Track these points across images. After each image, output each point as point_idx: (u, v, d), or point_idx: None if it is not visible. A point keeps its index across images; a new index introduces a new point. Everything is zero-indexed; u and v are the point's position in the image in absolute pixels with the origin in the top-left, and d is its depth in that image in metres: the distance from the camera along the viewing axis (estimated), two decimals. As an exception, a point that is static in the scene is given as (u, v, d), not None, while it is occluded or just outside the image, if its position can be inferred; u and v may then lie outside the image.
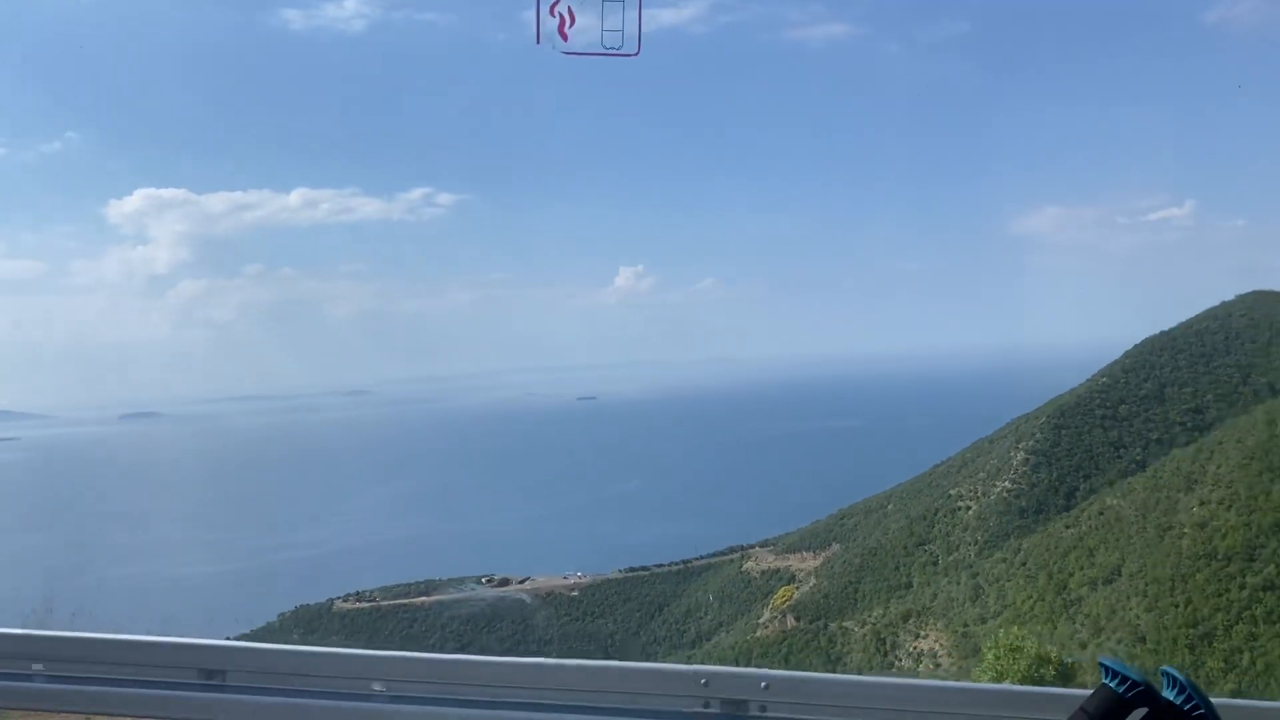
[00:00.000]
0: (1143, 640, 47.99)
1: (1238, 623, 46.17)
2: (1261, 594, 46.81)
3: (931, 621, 65.68)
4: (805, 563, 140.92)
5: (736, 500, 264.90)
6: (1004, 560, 66.68)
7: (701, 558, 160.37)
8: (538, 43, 7.95)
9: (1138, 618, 49.67)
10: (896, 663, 65.12)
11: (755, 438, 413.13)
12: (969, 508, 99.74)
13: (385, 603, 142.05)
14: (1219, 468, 57.61)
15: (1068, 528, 64.71)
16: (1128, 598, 51.66)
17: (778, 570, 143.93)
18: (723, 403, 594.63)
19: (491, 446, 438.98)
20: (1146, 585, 51.22)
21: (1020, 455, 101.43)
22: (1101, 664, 1.80)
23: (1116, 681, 1.79)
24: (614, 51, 7.96)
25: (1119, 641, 49.10)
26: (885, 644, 67.12)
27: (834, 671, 73.50)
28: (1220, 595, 47.85)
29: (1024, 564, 63.54)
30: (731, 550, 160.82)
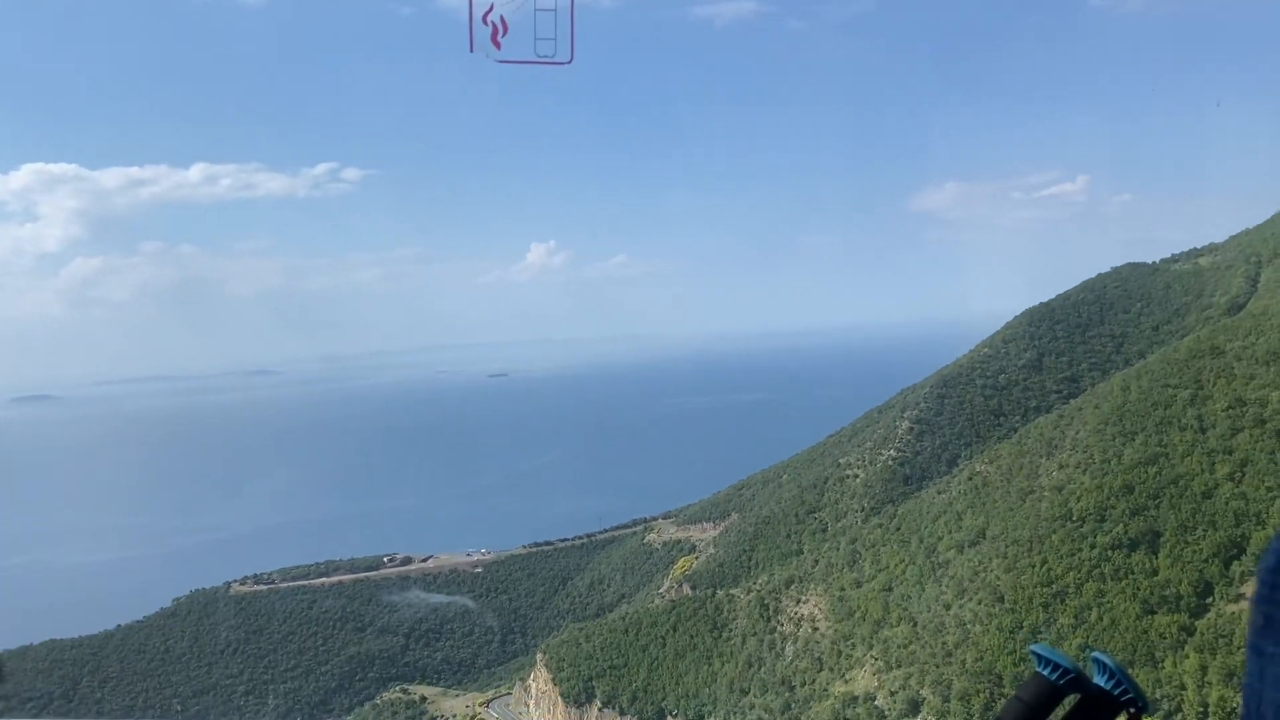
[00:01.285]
0: (1001, 600, 50.22)
1: (1088, 580, 48.61)
2: (1110, 553, 49.33)
3: (812, 587, 67.52)
4: (706, 533, 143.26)
5: (646, 474, 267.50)
6: (880, 526, 68.83)
7: (605, 531, 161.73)
8: (470, 51, 7.91)
9: (998, 578, 51.92)
10: (779, 628, 66.90)
11: (666, 412, 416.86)
12: (857, 476, 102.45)
13: (284, 585, 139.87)
14: (1077, 433, 60.34)
15: (939, 493, 67.12)
16: (990, 559, 53.94)
17: (679, 541, 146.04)
18: (634, 378, 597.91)
19: (400, 425, 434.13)
20: (1007, 547, 53.54)
21: (905, 424, 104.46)
22: (1034, 653, 1.93)
23: (1049, 669, 1.81)
24: (547, 60, 8.00)
25: (980, 602, 51.29)
26: (768, 610, 68.80)
27: (719, 636, 75.26)
28: (1073, 555, 50.27)
29: (898, 529, 65.70)
30: (635, 523, 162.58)
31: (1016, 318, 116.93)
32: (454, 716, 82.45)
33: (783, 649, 64.69)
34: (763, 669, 64.21)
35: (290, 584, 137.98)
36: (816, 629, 63.02)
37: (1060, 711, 1.84)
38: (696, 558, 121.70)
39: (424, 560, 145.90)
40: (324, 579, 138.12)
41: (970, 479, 65.06)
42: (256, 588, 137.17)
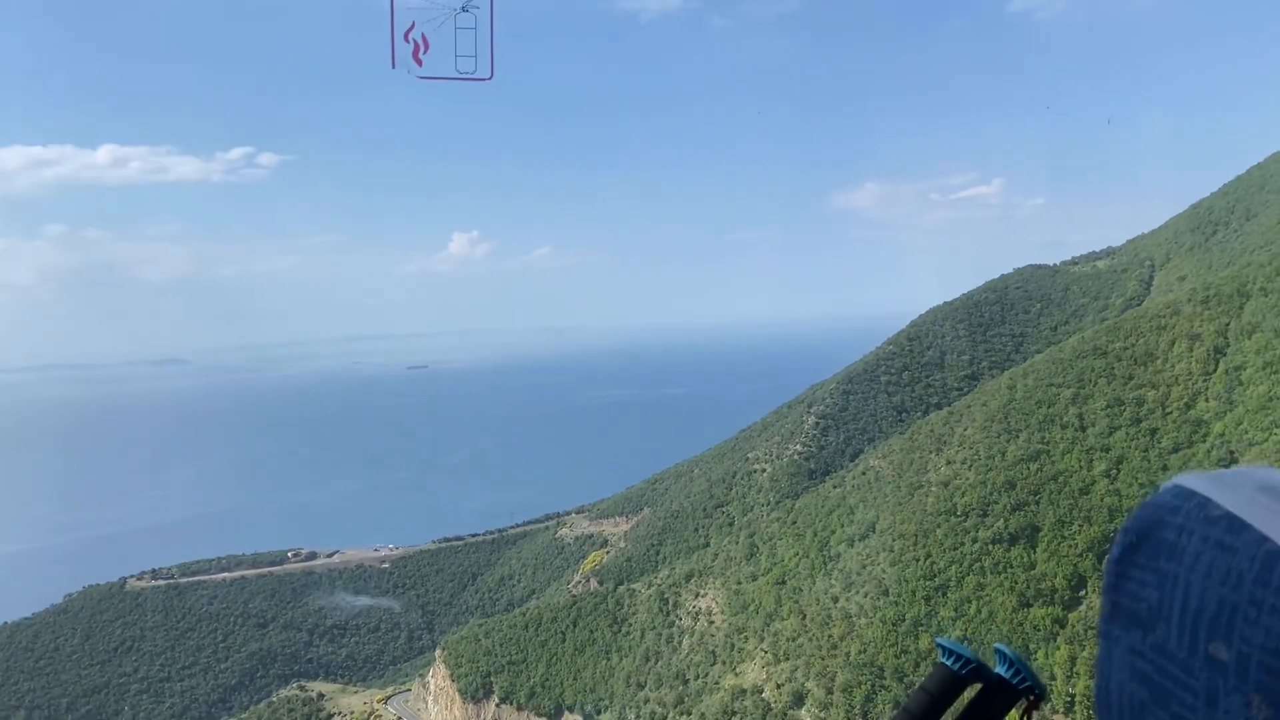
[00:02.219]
0: (886, 593, 51.13)
1: (969, 574, 49.72)
2: (991, 547, 50.51)
3: (711, 580, 67.96)
4: (618, 528, 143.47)
5: (564, 468, 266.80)
6: (778, 520, 69.58)
7: (517, 526, 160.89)
8: (393, 67, 7.60)
9: (884, 572, 52.84)
10: (677, 621, 67.21)
11: (586, 406, 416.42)
12: (764, 470, 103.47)
13: (183, 580, 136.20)
14: (966, 430, 61.72)
15: (835, 488, 68.11)
16: (877, 553, 54.87)
17: (591, 536, 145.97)
18: (556, 371, 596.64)
19: (314, 417, 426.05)
20: (894, 541, 54.50)
21: (812, 419, 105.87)
22: (938, 644, 1.90)
23: (952, 660, 1.84)
24: (468, 76, 7.73)
25: (865, 595, 52.15)
26: (668, 604, 69.07)
27: (619, 630, 75.39)
28: (956, 549, 51.37)
29: (794, 523, 66.49)
30: (548, 518, 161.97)
31: (921, 315, 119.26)
32: (351, 713, 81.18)
33: (680, 643, 65.00)
34: (659, 663, 64.44)
35: (190, 579, 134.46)
36: (713, 622, 63.43)
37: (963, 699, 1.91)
38: (607, 552, 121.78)
39: (329, 555, 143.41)
40: (225, 574, 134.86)
41: (864, 473, 66.14)
42: (154, 583, 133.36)
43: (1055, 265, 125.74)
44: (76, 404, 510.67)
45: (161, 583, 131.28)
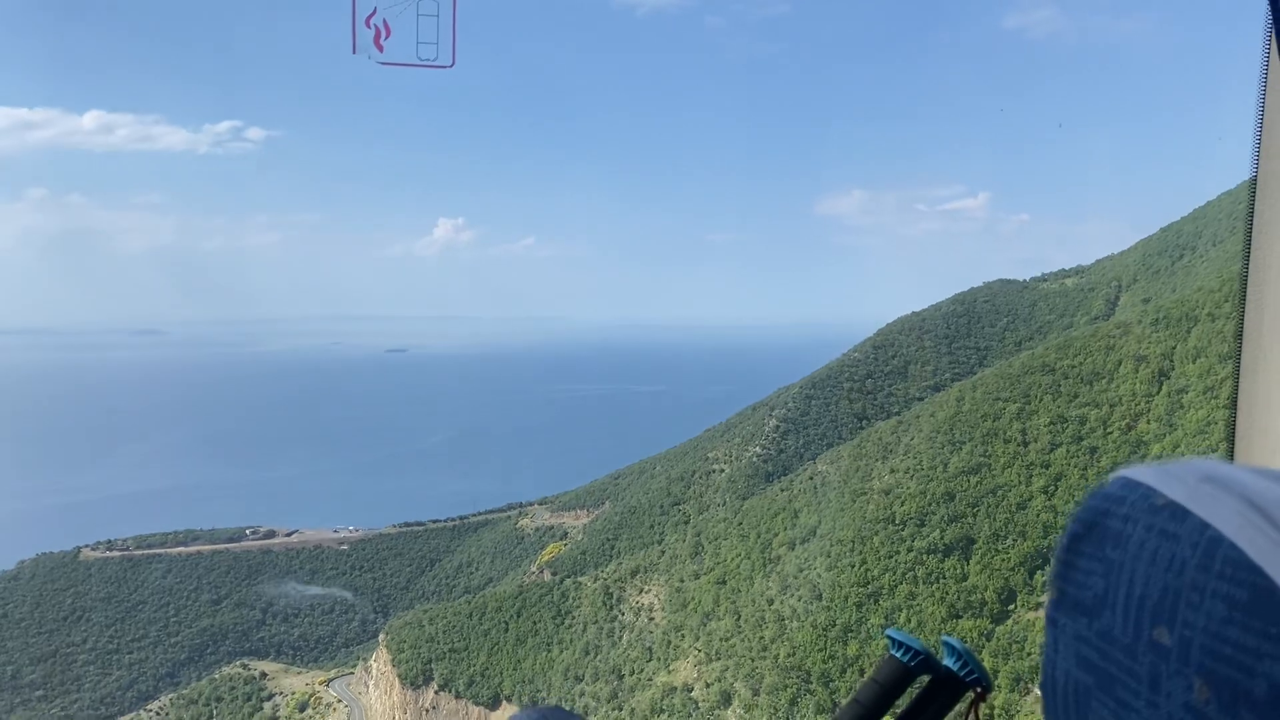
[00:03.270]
0: (819, 598, 51.40)
1: (902, 582, 50.04)
2: (925, 557, 50.85)
3: (656, 577, 68.12)
4: (579, 520, 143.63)
5: (534, 458, 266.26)
6: (724, 520, 69.85)
7: (479, 514, 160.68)
8: (354, 53, 7.55)
9: (819, 576, 53.13)
10: (619, 616, 67.34)
11: (561, 397, 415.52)
12: (722, 470, 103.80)
13: (138, 552, 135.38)
14: (912, 439, 62.06)
15: (782, 490, 68.44)
16: (815, 557, 55.16)
17: (552, 527, 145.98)
18: (535, 362, 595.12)
19: (289, 395, 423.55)
20: (831, 546, 54.79)
21: (773, 422, 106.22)
22: (888, 635, 1.91)
23: (901, 651, 1.85)
24: (429, 63, 7.67)
25: (799, 599, 52.44)
26: (612, 598, 69.18)
27: (562, 622, 75.46)
28: (891, 557, 51.69)
29: (740, 524, 66.75)
30: (510, 507, 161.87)
31: (889, 324, 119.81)
32: (292, 694, 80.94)
33: (620, 638, 65.13)
34: (598, 657, 64.55)
35: (145, 551, 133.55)
36: (653, 619, 63.61)
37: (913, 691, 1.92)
38: (564, 545, 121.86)
39: (288, 535, 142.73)
40: (181, 548, 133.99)
41: (811, 478, 66.48)
42: (109, 554, 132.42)
43: (1025, 281, 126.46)
44: (51, 370, 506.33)
45: (115, 554, 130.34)
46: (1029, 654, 42.85)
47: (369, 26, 7.87)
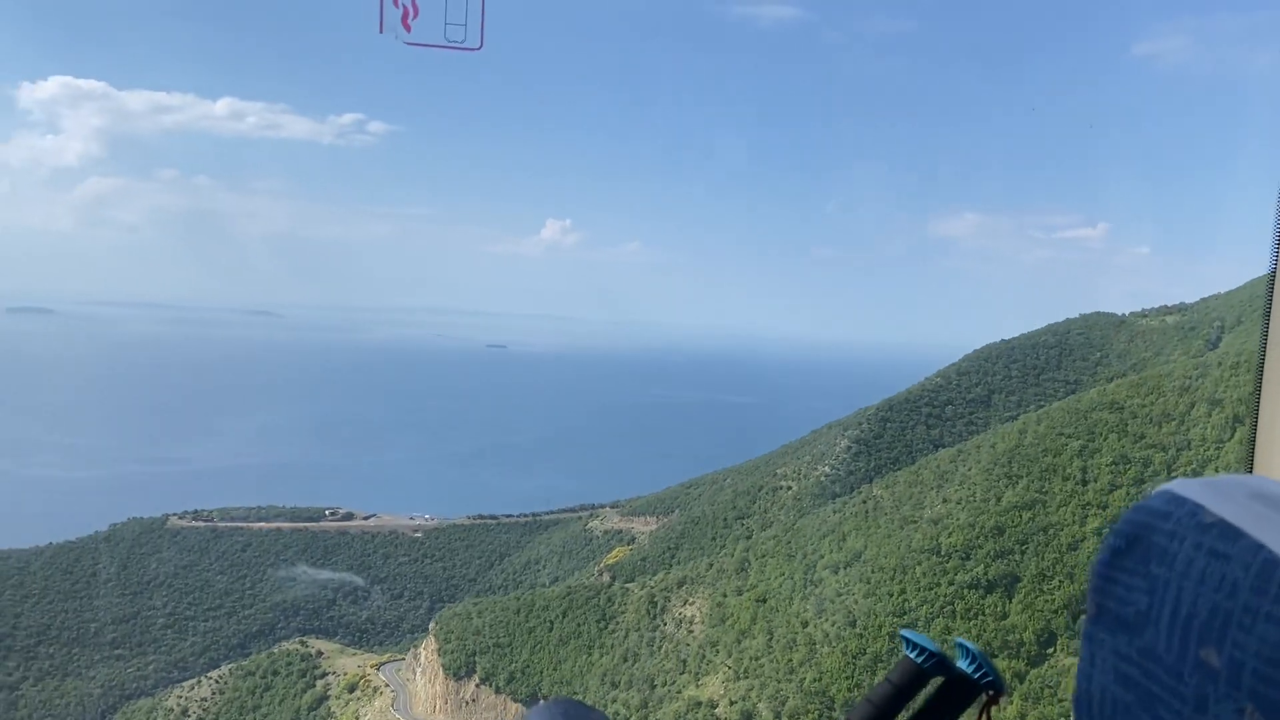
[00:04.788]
0: (853, 624, 50.16)
1: (939, 615, 48.50)
2: (966, 591, 49.20)
3: (701, 590, 67.50)
4: (646, 526, 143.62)
5: (615, 461, 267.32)
6: (775, 538, 68.81)
7: (551, 512, 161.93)
8: (380, 31, 7.81)
9: (856, 602, 51.85)
10: (661, 626, 66.95)
11: (652, 403, 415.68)
12: (789, 488, 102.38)
13: (221, 524, 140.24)
14: (969, 469, 60.13)
15: (834, 512, 67.07)
16: (854, 583, 53.86)
17: (621, 531, 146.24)
18: (629, 365, 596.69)
19: (390, 383, 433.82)
20: (873, 573, 53.42)
21: (844, 443, 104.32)
22: (902, 636, 1.93)
23: (916, 653, 1.86)
24: (456, 45, 7.87)
25: (833, 624, 51.25)
26: (656, 606, 68.81)
27: (605, 627, 75.35)
28: (931, 589, 50.15)
29: (789, 543, 65.65)
30: (582, 508, 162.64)
31: (975, 351, 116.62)
32: (344, 674, 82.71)
33: (659, 647, 64.75)
34: (635, 664, 64.28)
35: (229, 524, 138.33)
36: (691, 631, 63.04)
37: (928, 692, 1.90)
38: (629, 550, 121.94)
39: (365, 518, 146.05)
40: (263, 523, 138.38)
41: (864, 502, 65.01)
42: (194, 523, 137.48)
43: (1123, 315, 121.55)
44: (167, 344, 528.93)
45: (201, 524, 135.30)
46: (1062, 700, 41.06)
47: (397, 5, 7.78)
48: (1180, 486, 0.94)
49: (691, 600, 67.47)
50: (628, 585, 74.91)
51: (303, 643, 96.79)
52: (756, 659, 53.70)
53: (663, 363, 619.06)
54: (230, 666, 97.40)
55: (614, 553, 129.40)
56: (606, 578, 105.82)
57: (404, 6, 7.71)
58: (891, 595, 51.21)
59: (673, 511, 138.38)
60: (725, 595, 63.99)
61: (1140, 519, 0.97)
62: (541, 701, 1.82)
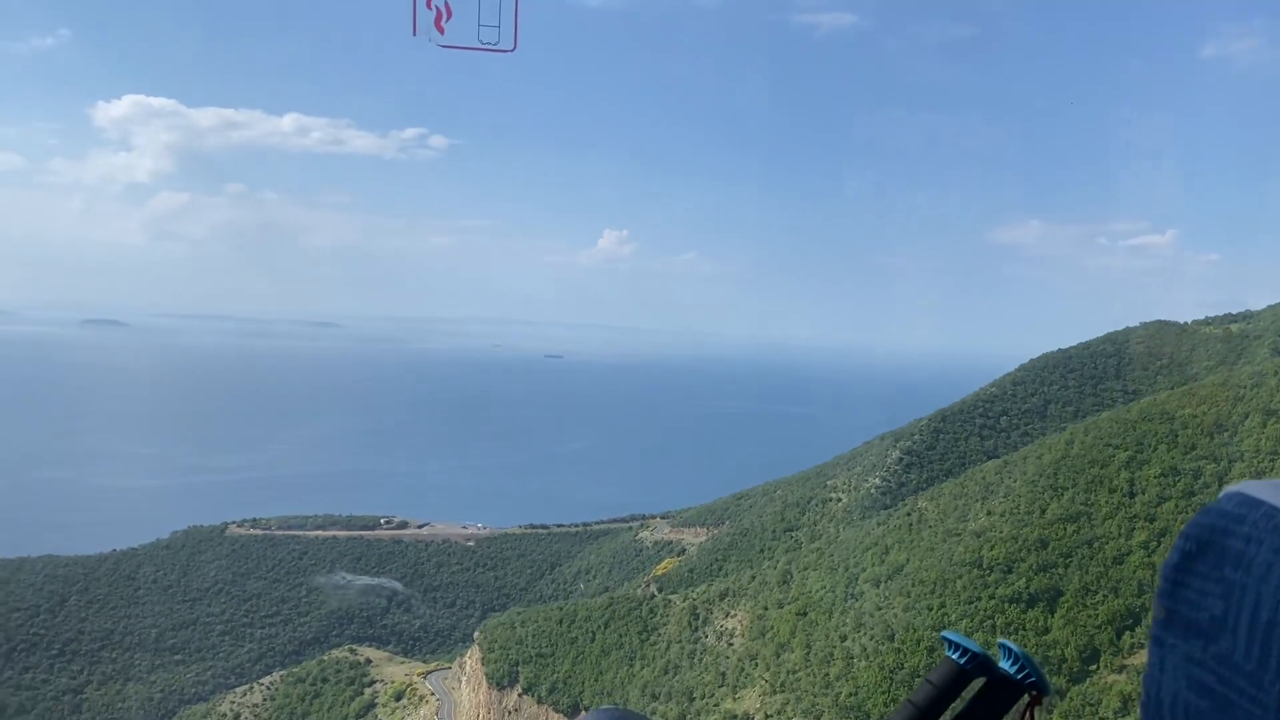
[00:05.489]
0: (891, 638, 49.27)
1: (979, 630, 47.42)
2: (1007, 605, 48.09)
3: (742, 602, 66.91)
4: (696, 537, 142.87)
5: (669, 472, 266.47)
6: (818, 550, 67.96)
7: (602, 522, 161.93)
8: (414, 35, 8.02)
9: (895, 616, 50.91)
10: (702, 638, 66.51)
11: (706, 413, 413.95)
12: (840, 499, 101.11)
13: (279, 532, 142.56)
14: (1014, 481, 58.82)
15: (878, 525, 66.02)
16: (894, 597, 52.91)
17: (671, 542, 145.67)
18: (684, 376, 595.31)
19: (449, 393, 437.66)
20: (913, 586, 52.45)
21: (896, 454, 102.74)
22: (944, 638, 2.01)
23: (958, 654, 1.89)
24: (490, 47, 8.05)
25: (871, 638, 50.39)
26: (698, 618, 68.38)
27: (647, 638, 75.01)
28: (972, 602, 49.11)
29: (831, 555, 64.76)
30: (632, 518, 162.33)
31: (1031, 360, 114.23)
32: (391, 683, 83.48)
33: (700, 659, 64.31)
34: (676, 676, 63.92)
35: (285, 532, 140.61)
36: (731, 644, 62.50)
37: (968, 694, 1.92)
38: (679, 561, 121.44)
39: (420, 527, 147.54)
40: (319, 531, 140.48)
41: (908, 514, 63.88)
42: (252, 531, 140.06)
43: (1185, 324, 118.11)
44: (234, 355, 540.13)
45: (259, 532, 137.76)
46: (1101, 719, 39.95)
47: (430, 8, 7.79)
48: (1251, 488, 0.91)
49: (733, 613, 66.93)
50: (670, 597, 74.55)
51: (352, 650, 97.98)
52: (794, 672, 53.01)
53: (718, 373, 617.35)
54: (282, 673, 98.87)
55: (662, 564, 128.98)
56: (654, 589, 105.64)
57: (437, 9, 7.66)
58: (931, 609, 50.21)
59: (723, 523, 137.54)
60: (766, 608, 63.36)
61: (1211, 521, 0.93)
62: (596, 710, 1.89)
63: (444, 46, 7.93)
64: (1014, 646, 1.84)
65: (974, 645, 1.87)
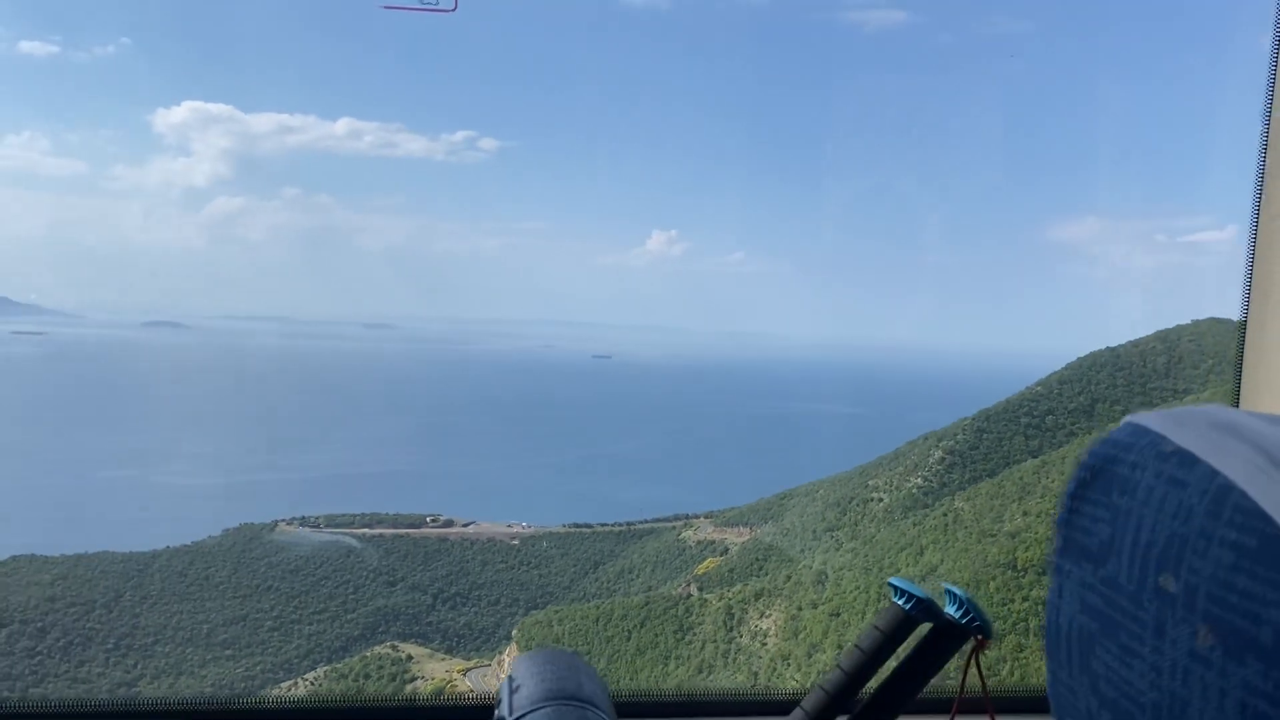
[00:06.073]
0: (922, 639, 48.66)
1: (1011, 633, 46.63)
2: (1041, 608, 47.11)
3: (778, 602, 66.62)
4: (740, 537, 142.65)
5: (716, 471, 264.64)
6: (853, 550, 67.33)
7: (646, 521, 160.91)
8: None
9: (927, 618, 50.22)
10: (737, 638, 66.36)
11: (753, 413, 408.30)
12: (881, 499, 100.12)
13: (328, 530, 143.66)
14: (1053, 480, 57.65)
15: (914, 525, 65.20)
16: (927, 598, 52.21)
17: (714, 542, 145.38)
18: (732, 376, 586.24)
19: (497, 394, 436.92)
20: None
21: (938, 454, 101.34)
22: (890, 584, 2.16)
23: (903, 599, 1.99)
24: (430, 8, 8.42)
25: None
26: (733, 618, 68.19)
27: (682, 638, 74.94)
28: (1004, 604, 48.26)
29: (866, 556, 64.06)
30: (676, 517, 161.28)
31: (1079, 359, 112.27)
32: (431, 679, 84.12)
33: (733, 660, 64.21)
34: (710, 676, 63.83)
35: (334, 530, 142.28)
36: (765, 645, 62.32)
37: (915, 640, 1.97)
38: (720, 561, 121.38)
39: (465, 525, 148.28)
40: (366, 529, 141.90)
41: (945, 514, 62.99)
42: (301, 529, 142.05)
43: (1240, 321, 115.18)
44: (290, 356, 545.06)
45: (308, 529, 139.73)
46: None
47: None
48: (1143, 418, 1.02)
49: (768, 613, 66.68)
50: (706, 596, 74.50)
51: (394, 647, 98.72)
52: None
53: (769, 373, 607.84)
54: (325, 669, 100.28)
55: (704, 564, 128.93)
56: (694, 589, 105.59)
57: None
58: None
59: (766, 522, 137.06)
60: (800, 609, 62.96)
61: (1105, 451, 1.02)
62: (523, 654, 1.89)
63: (387, 7, 8.02)
64: (959, 591, 1.89)
65: (919, 590, 1.96)
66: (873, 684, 1.99)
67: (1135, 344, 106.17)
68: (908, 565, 59.08)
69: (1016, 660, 46.46)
